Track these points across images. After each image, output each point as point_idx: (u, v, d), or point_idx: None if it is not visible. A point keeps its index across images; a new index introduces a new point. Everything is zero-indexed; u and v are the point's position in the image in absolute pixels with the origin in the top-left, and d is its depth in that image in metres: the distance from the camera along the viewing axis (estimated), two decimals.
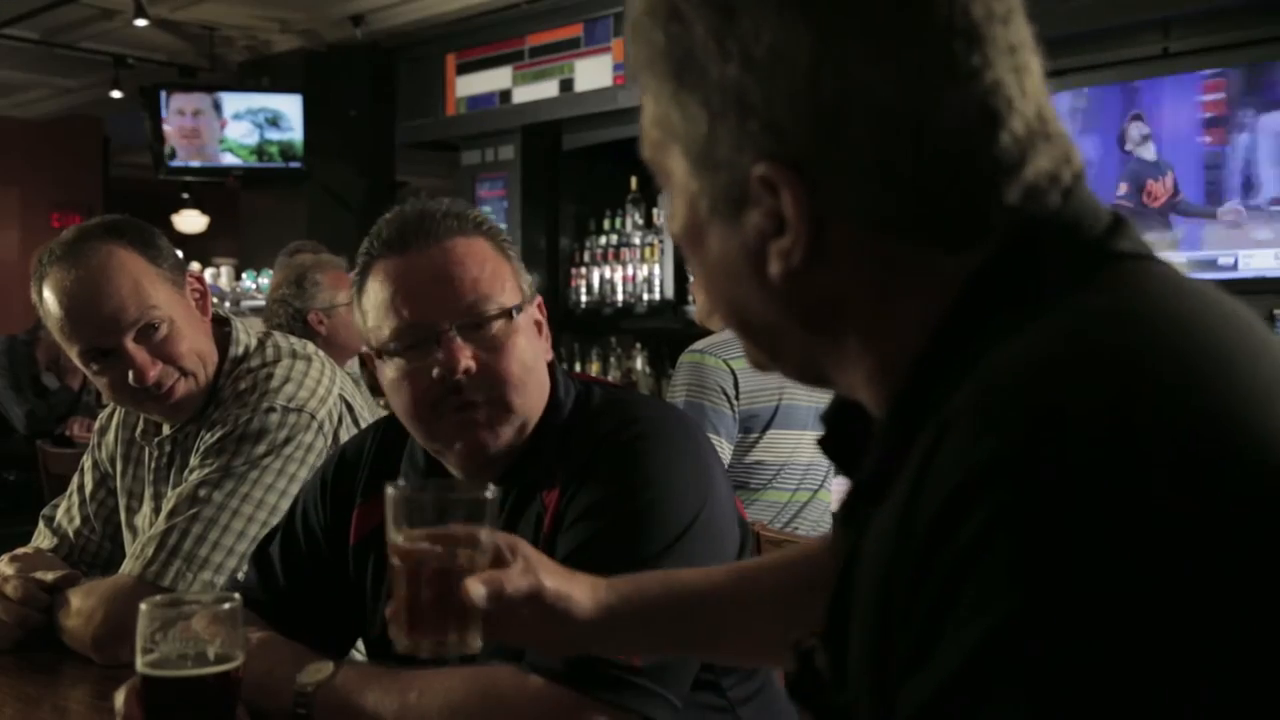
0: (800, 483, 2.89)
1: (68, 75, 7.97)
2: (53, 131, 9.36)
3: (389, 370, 1.31)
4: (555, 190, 6.21)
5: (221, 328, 1.81)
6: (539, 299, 1.40)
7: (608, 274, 5.88)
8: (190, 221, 10.00)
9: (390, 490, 0.96)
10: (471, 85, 6.26)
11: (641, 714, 1.13)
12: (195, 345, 1.72)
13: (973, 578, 0.55)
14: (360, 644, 1.49)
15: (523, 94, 6.01)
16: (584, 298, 6.01)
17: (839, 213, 0.67)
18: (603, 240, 5.99)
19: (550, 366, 1.37)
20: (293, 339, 1.84)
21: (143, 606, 1.05)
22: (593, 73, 5.65)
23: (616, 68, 5.52)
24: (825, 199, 0.66)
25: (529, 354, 1.32)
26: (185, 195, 9.26)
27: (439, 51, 6.41)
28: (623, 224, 5.87)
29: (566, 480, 1.26)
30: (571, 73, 5.74)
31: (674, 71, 0.70)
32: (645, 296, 5.69)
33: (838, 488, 2.90)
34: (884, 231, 0.67)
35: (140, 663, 1.05)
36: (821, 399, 0.80)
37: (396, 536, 0.95)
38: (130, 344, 1.66)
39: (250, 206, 7.64)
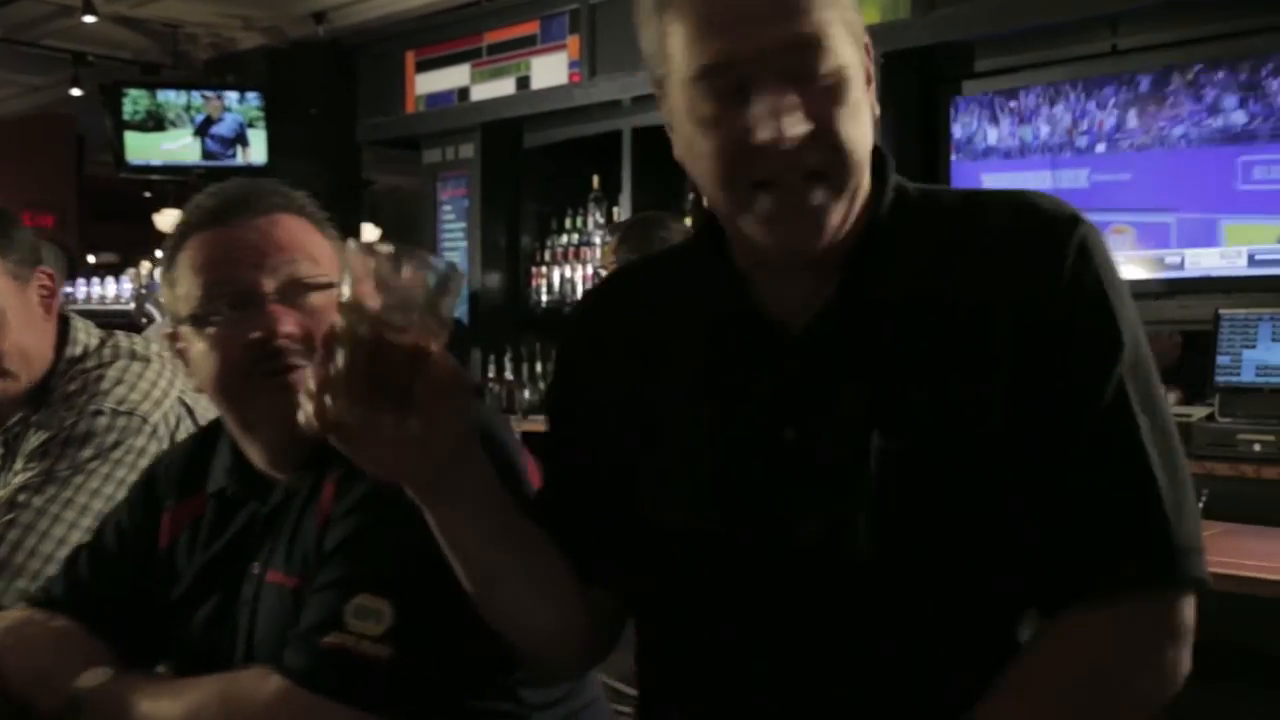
0: None
1: (33, 73, 7.93)
2: (23, 130, 9.31)
3: (199, 342, 1.22)
4: (516, 189, 6.17)
5: (62, 328, 1.76)
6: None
7: (569, 273, 5.84)
8: (173, 220, 9.92)
9: (352, 243, 0.90)
10: (430, 83, 6.21)
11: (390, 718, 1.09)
12: (20, 343, 1.66)
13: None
14: None
15: (481, 92, 5.96)
16: (545, 297, 5.97)
17: None
18: (564, 239, 5.94)
19: None
20: (136, 339, 1.79)
21: None
22: (549, 70, 5.60)
23: (572, 65, 5.47)
24: None
25: None
26: (147, 194, 9.20)
27: (399, 49, 6.36)
28: (584, 223, 5.83)
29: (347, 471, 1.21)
30: (528, 70, 5.69)
31: None
32: None
33: None
34: None
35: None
36: None
37: (349, 290, 0.87)
38: None
39: None
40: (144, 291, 5.93)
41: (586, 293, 1.25)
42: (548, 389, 1.21)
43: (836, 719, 0.99)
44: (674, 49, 0.96)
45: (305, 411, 0.89)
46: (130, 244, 8.99)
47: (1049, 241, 1.00)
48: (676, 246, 1.24)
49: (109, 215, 10.81)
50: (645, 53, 1.01)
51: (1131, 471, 0.96)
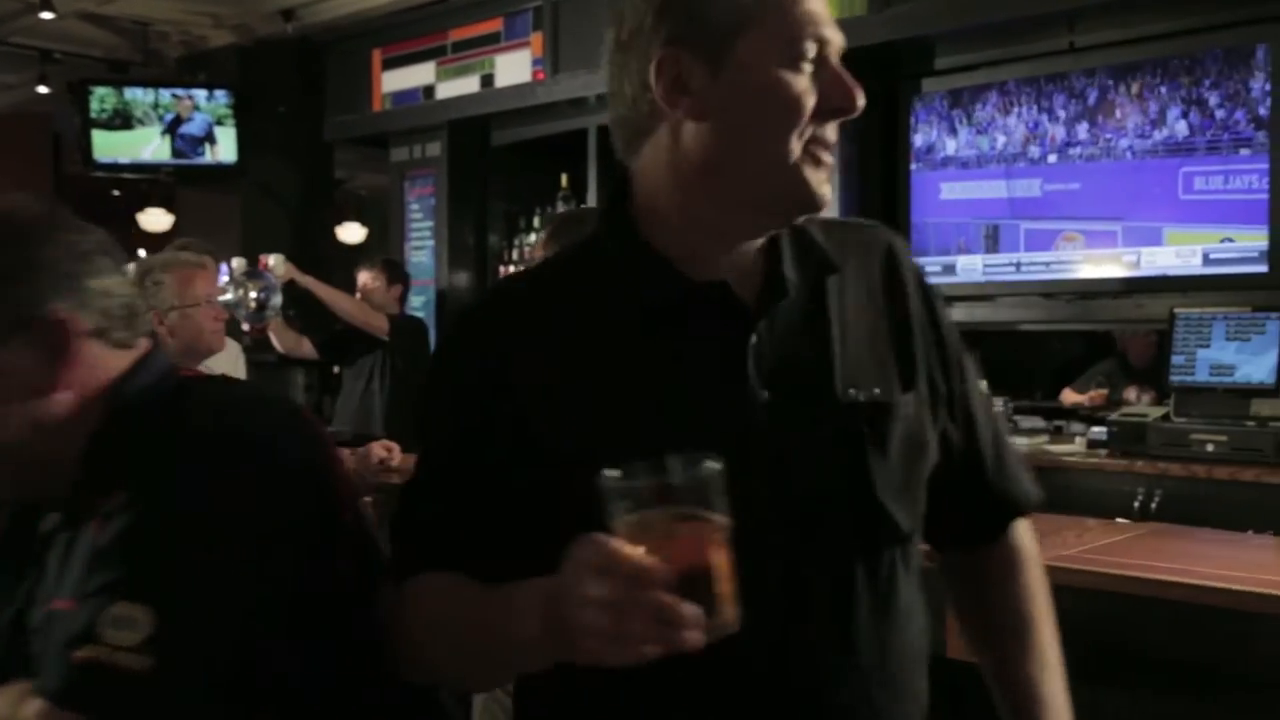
0: None
1: (4, 70, 7.88)
2: None
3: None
4: (484, 187, 6.14)
5: None
6: None
7: None
8: (157, 220, 9.87)
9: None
10: (397, 81, 6.18)
11: None
12: None
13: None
14: None
15: (446, 89, 5.93)
16: None
17: None
18: (532, 238, 5.91)
19: None
20: None
21: None
22: (512, 68, 5.57)
23: (535, 63, 5.44)
24: None
25: None
26: (116, 193, 9.15)
27: (366, 46, 6.33)
28: None
29: None
30: (492, 68, 5.67)
31: None
32: None
33: None
34: None
35: None
36: None
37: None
38: None
39: (187, 204, 7.55)
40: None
41: (479, 307, 1.19)
42: (450, 409, 1.11)
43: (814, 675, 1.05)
44: (786, 4, 1.02)
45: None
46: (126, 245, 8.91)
47: (905, 246, 1.22)
48: (571, 248, 1.20)
49: (92, 216, 10.75)
50: (705, 2, 1.03)
51: (1000, 427, 1.25)
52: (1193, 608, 1.87)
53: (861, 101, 1.05)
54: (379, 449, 3.37)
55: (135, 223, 9.33)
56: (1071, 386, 5.07)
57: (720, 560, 0.85)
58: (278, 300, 4.46)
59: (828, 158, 1.05)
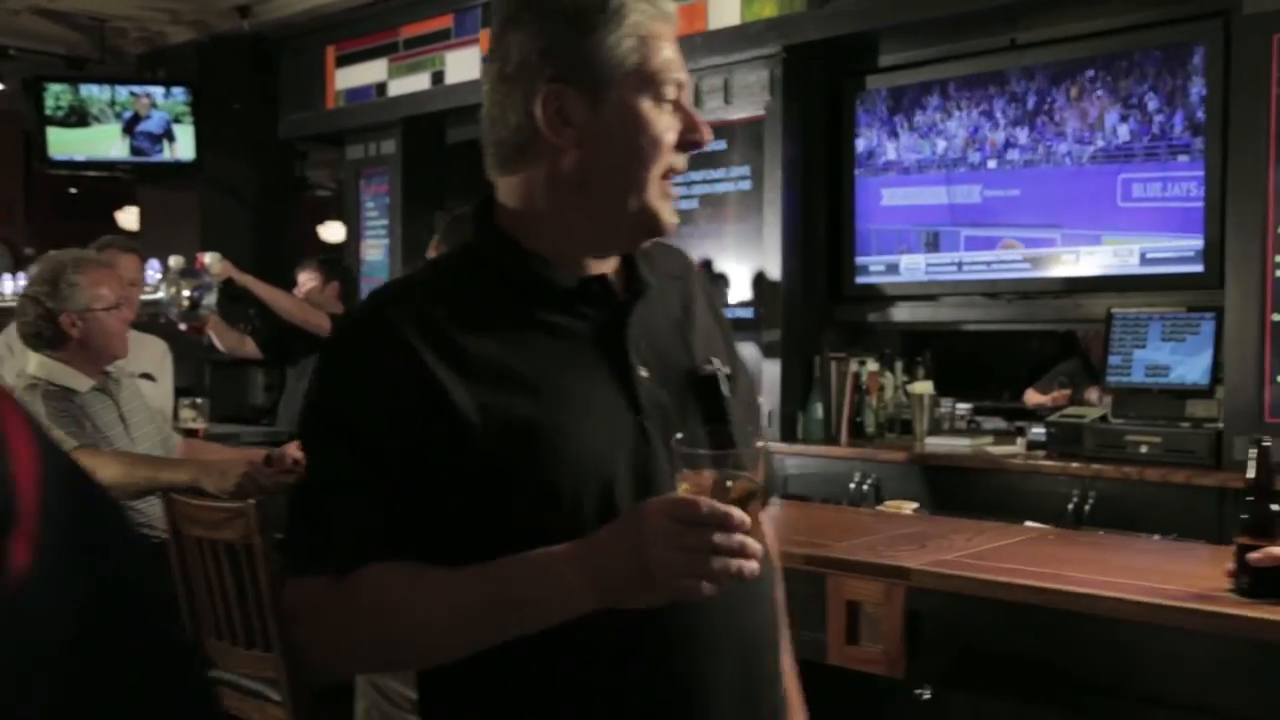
0: None
1: None
2: None
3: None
4: (439, 185, 6.09)
5: None
6: None
7: None
8: (135, 219, 9.79)
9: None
10: (350, 78, 6.14)
11: None
12: None
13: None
14: None
15: (398, 86, 5.89)
16: None
17: None
18: None
19: None
20: None
21: None
22: (463, 64, 5.53)
23: (485, 59, 5.38)
24: None
25: None
26: (73, 190, 9.10)
27: (319, 43, 6.28)
28: None
29: None
30: (442, 65, 5.62)
31: None
32: None
33: None
34: None
35: None
36: None
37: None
38: None
39: (148, 203, 7.50)
40: None
41: (371, 310, 1.25)
42: (370, 402, 1.17)
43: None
44: (651, 54, 1.20)
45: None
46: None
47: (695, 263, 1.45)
48: (452, 253, 1.34)
49: (72, 214, 10.70)
50: (593, 47, 1.19)
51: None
52: (1036, 610, 1.83)
53: (709, 135, 1.25)
54: (294, 449, 3.32)
55: (115, 221, 9.28)
56: (1034, 387, 5.02)
57: (760, 514, 1.06)
58: (212, 299, 4.42)
59: (672, 190, 1.25)
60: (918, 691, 2.21)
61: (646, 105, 1.20)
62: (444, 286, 1.23)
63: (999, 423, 4.83)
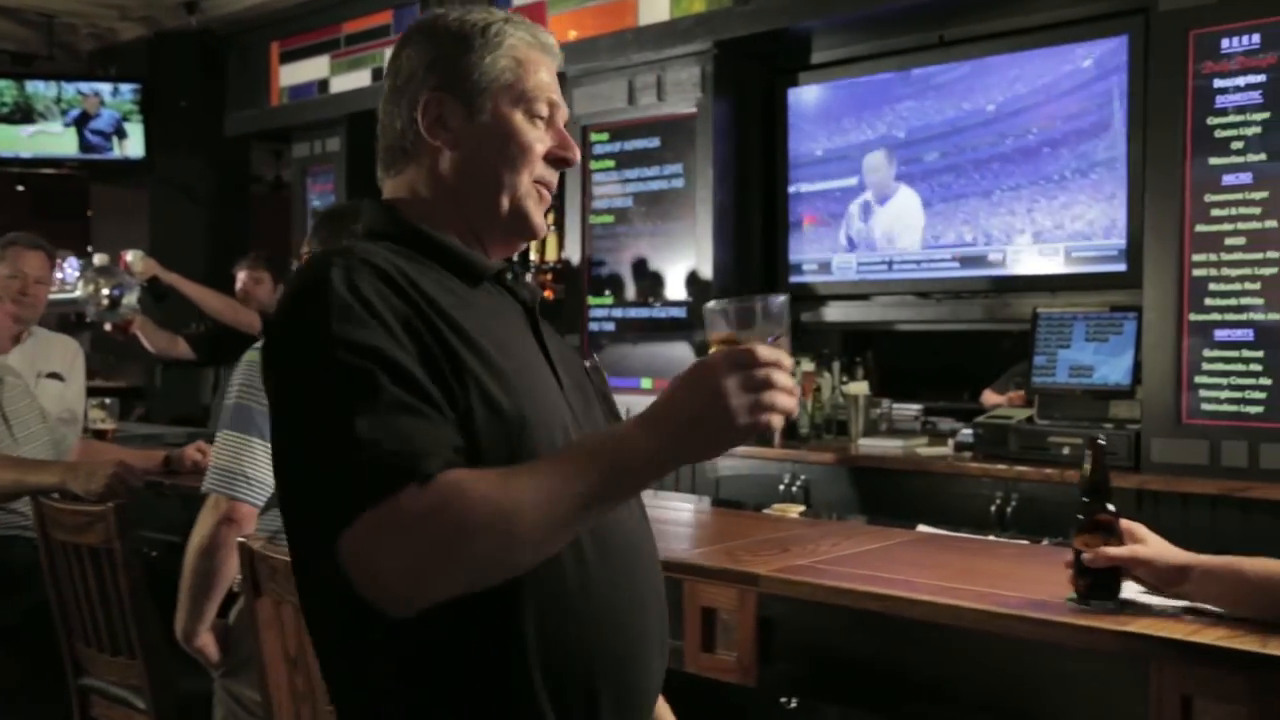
0: None
1: None
2: None
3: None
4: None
5: None
6: None
7: None
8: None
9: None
10: (293, 74, 6.08)
11: None
12: None
13: None
14: None
15: (340, 83, 5.83)
16: None
17: None
18: None
19: None
20: None
21: None
22: None
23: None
24: None
25: None
26: (20, 188, 9.03)
27: (265, 39, 6.22)
28: None
29: None
30: (383, 61, 5.56)
31: None
32: None
33: None
34: None
35: None
36: None
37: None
38: None
39: (99, 200, 7.44)
40: None
41: (363, 259, 1.20)
42: (367, 314, 1.14)
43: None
44: (526, 75, 1.32)
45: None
46: (69, 241, 8.75)
47: None
48: (361, 242, 1.28)
49: (52, 214, 10.61)
50: (471, 63, 1.30)
51: None
52: (879, 617, 1.78)
53: (577, 156, 1.38)
54: (193, 452, 3.26)
55: (70, 219, 9.21)
56: (991, 387, 4.96)
57: (789, 363, 1.13)
58: (133, 298, 4.36)
59: (548, 196, 1.36)
60: (783, 700, 2.16)
61: (518, 118, 1.31)
62: (388, 256, 1.21)
63: (952, 423, 4.76)
